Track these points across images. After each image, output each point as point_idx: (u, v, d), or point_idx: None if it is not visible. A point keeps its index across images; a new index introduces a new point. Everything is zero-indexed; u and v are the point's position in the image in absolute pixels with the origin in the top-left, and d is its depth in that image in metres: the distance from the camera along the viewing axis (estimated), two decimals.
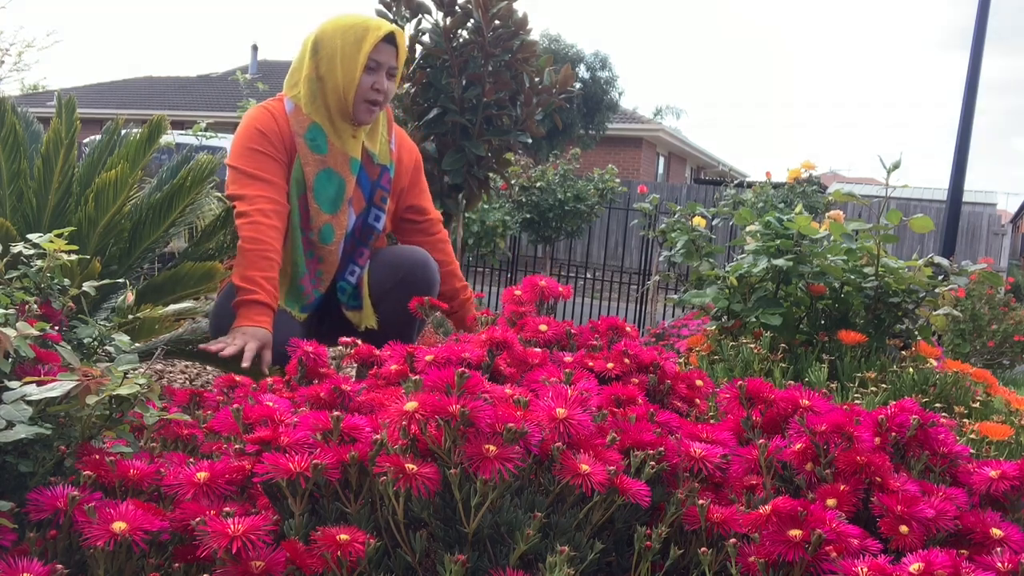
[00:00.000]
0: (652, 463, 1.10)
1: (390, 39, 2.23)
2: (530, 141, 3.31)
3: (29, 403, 1.04)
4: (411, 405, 1.00)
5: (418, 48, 3.16)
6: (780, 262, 2.25)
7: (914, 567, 0.96)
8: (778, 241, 2.32)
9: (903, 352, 2.27)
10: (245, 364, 1.85)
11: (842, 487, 1.10)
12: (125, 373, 1.15)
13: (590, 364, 1.43)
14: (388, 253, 2.33)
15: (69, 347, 1.22)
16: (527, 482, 1.05)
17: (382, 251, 2.35)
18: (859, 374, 1.96)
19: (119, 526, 0.93)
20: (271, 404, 1.14)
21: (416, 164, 2.47)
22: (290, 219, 2.18)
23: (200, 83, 24.47)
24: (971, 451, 1.34)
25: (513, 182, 7.15)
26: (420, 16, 3.18)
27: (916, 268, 2.27)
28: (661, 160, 23.47)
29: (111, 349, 1.42)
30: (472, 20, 3.10)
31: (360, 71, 2.18)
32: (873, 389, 1.85)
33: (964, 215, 12.25)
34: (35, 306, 1.33)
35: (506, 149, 3.29)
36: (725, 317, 2.39)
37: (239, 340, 1.93)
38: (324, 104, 2.21)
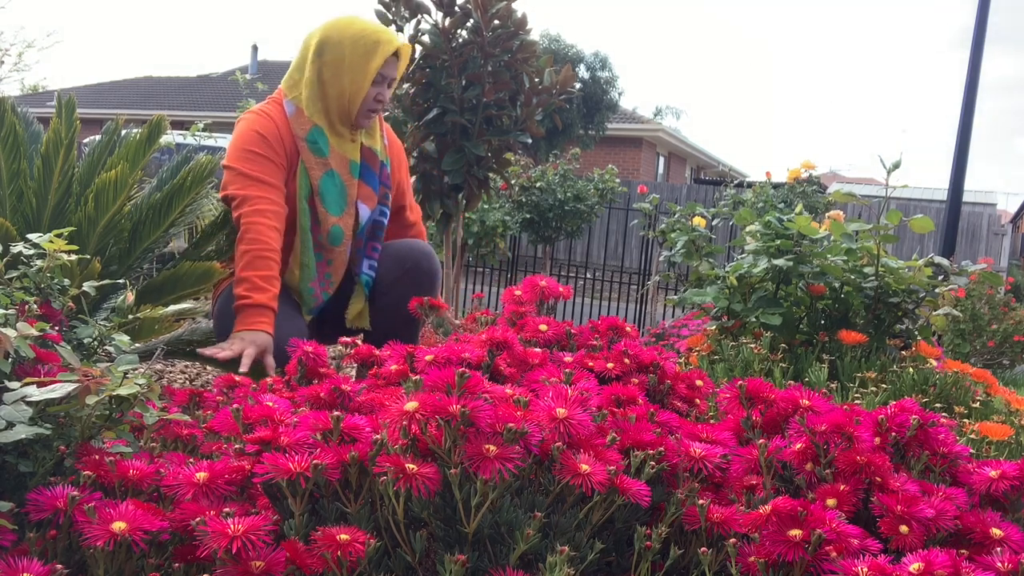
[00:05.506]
0: (652, 463, 1.10)
1: (395, 51, 2.25)
2: (530, 141, 3.30)
3: (29, 403, 1.05)
4: (411, 405, 1.00)
5: (418, 48, 3.16)
6: (780, 262, 2.25)
7: (914, 567, 0.96)
8: (778, 241, 2.32)
9: (903, 352, 2.27)
10: (243, 370, 1.84)
11: (842, 487, 1.10)
12: (125, 373, 1.15)
13: (590, 364, 1.43)
14: (390, 246, 2.35)
15: (69, 347, 1.22)
16: (527, 482, 1.04)
17: (384, 244, 2.36)
18: (859, 374, 1.96)
19: (119, 526, 0.93)
20: (271, 404, 1.14)
21: (401, 160, 2.49)
22: (300, 222, 2.18)
23: (200, 83, 24.46)
24: (971, 451, 1.34)
25: (513, 182, 7.14)
26: (419, 16, 3.17)
27: (916, 268, 2.27)
28: (661, 160, 23.47)
29: (111, 349, 1.42)
30: (471, 20, 3.10)
31: (368, 84, 2.19)
32: (873, 389, 1.85)
33: (964, 215, 12.24)
34: (35, 306, 1.33)
35: (506, 149, 3.29)
36: (725, 317, 2.39)
37: (237, 345, 1.91)
38: (325, 108, 2.20)
